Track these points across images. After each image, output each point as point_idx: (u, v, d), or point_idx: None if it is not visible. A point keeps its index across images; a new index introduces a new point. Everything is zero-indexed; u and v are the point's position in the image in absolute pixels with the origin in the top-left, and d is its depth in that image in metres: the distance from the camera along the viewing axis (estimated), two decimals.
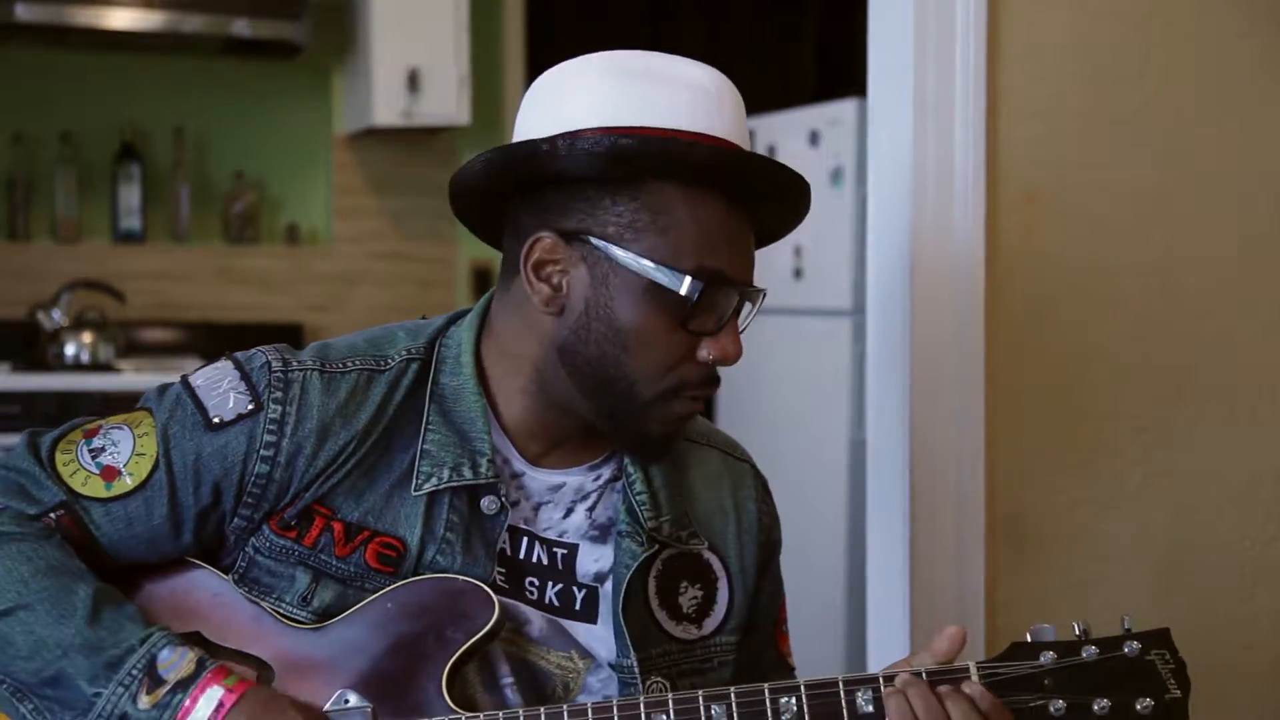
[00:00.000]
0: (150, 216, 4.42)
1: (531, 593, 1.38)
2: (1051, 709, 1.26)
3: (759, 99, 4.70)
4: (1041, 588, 2.12)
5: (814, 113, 4.06)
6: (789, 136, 4.12)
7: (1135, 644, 1.28)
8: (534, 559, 1.38)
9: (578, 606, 1.39)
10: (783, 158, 4.11)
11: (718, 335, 1.32)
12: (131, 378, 3.80)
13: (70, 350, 3.88)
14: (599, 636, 1.39)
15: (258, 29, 4.11)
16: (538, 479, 1.40)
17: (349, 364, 1.37)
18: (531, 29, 4.80)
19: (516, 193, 1.36)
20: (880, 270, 2.15)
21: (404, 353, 1.39)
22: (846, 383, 3.84)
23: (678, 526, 1.43)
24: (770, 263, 4.13)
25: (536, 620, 1.37)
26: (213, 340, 4.33)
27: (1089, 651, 1.28)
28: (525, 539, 1.39)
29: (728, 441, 1.56)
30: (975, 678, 1.27)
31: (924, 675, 1.27)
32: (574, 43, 6.14)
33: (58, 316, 3.92)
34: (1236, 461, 2.23)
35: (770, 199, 1.37)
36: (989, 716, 1.25)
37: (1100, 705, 1.26)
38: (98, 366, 3.88)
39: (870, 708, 1.26)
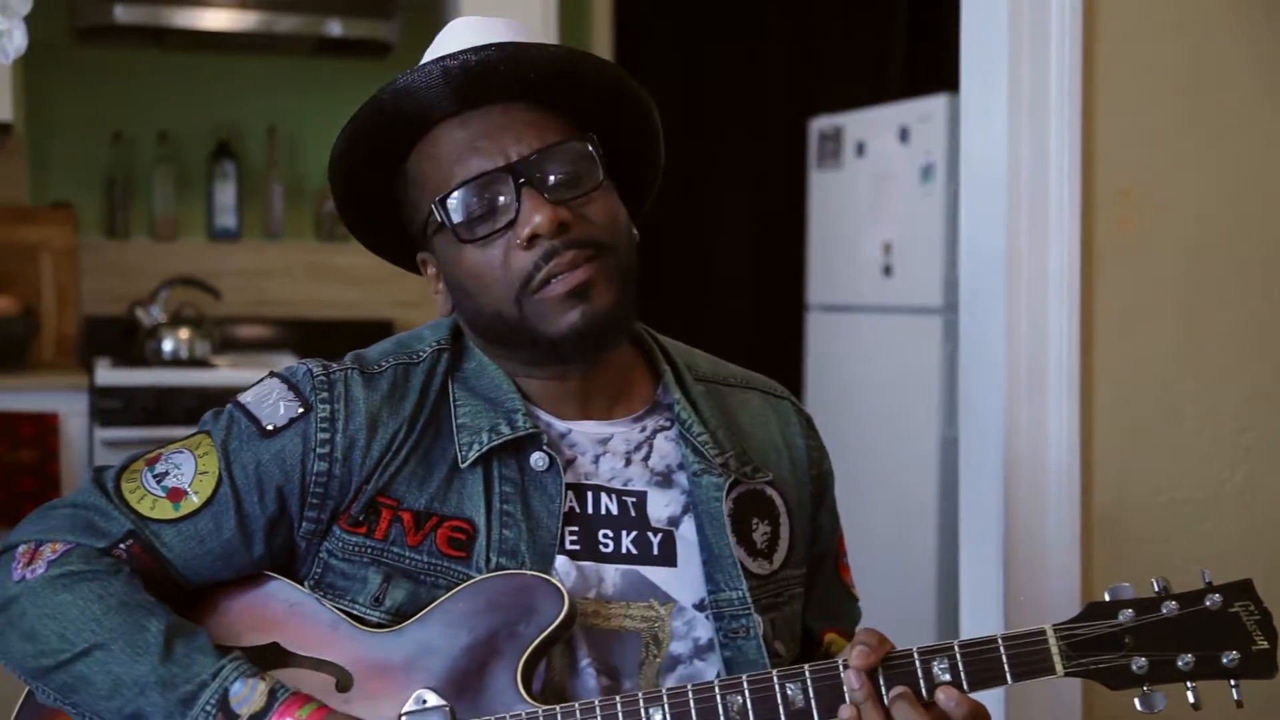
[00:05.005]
0: (245, 214, 4.48)
1: (606, 546, 1.39)
2: (1134, 667, 1.24)
3: (849, 96, 4.69)
4: (1140, 590, 2.09)
5: (904, 109, 4.02)
6: (879, 133, 4.09)
7: (1217, 596, 1.25)
8: (604, 511, 1.40)
9: (655, 551, 1.40)
10: (872, 155, 4.08)
11: (519, 217, 1.35)
12: (227, 373, 3.85)
13: (168, 346, 3.94)
14: (680, 579, 1.40)
15: (350, 28, 4.15)
16: (585, 432, 1.43)
17: (384, 363, 1.43)
18: (620, 23, 4.80)
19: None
20: (973, 267, 2.13)
21: (433, 345, 1.45)
22: (937, 380, 3.80)
23: (742, 462, 1.46)
24: (860, 260, 4.11)
25: (610, 577, 1.38)
26: (305, 336, 4.38)
27: (1169, 607, 1.25)
28: (591, 493, 1.41)
29: (765, 382, 1.59)
30: (1052, 640, 1.25)
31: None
32: (662, 35, 6.07)
33: (156, 313, 3.99)
34: None
35: (502, 79, 1.37)
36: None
37: (1184, 660, 1.24)
38: (194, 362, 3.94)
39: (947, 676, 1.25)
